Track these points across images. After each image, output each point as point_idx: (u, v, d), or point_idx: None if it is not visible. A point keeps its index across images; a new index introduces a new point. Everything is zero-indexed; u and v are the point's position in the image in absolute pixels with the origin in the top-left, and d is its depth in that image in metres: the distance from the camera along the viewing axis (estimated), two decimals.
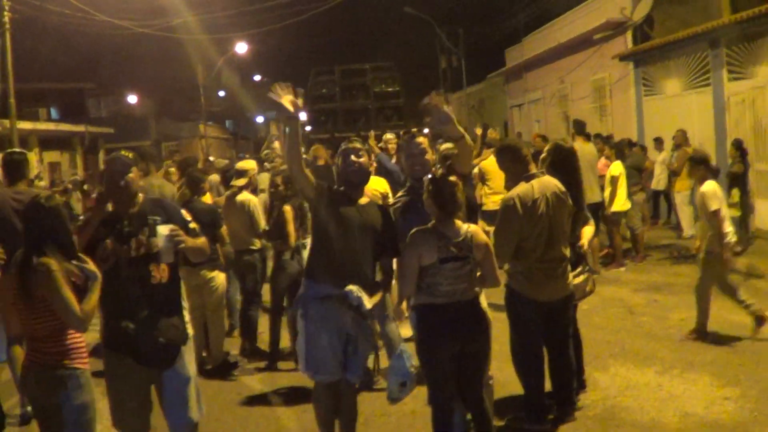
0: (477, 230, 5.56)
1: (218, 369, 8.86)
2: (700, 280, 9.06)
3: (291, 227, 8.81)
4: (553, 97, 30.09)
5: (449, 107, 5.85)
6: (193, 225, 5.55)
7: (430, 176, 5.68)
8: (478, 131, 15.15)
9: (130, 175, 5.25)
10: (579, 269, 6.80)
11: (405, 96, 29.53)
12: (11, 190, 7.57)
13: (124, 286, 5.12)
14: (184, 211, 5.67)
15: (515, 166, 6.48)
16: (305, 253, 8.94)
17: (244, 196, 9.55)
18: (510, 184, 6.50)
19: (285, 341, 9.26)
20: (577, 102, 27.28)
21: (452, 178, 5.50)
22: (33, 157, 29.36)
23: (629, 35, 22.15)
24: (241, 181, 9.68)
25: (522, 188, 6.28)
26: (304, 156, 16.22)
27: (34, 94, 37.05)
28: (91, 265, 4.82)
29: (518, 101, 35.95)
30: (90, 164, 37.73)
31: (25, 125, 26.50)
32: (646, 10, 20.87)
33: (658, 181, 17.83)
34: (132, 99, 53.70)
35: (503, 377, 7.21)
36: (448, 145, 6.97)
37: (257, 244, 9.64)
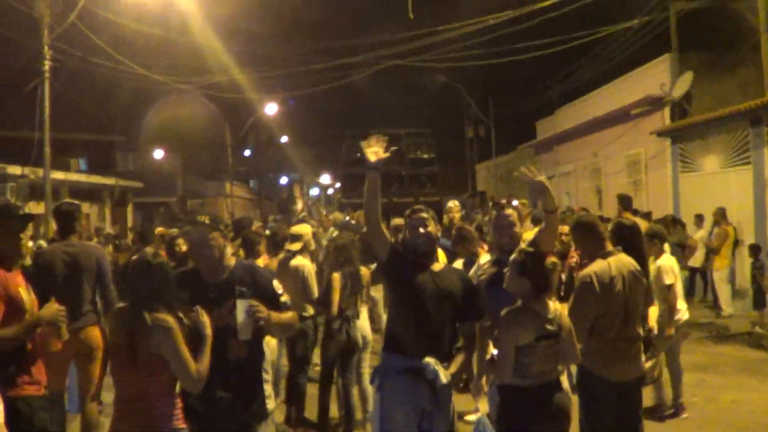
0: (562, 307, 5.45)
1: None
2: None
3: (336, 296, 8.65)
4: (585, 171, 30.05)
5: (543, 177, 5.76)
6: (284, 298, 5.28)
7: (524, 252, 5.42)
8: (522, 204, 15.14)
9: (212, 243, 5.03)
10: (648, 354, 6.63)
11: (439, 164, 29.61)
12: (62, 244, 7.46)
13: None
14: (276, 282, 5.33)
15: (591, 243, 6.40)
16: (359, 323, 8.84)
17: (299, 261, 9.34)
18: (586, 261, 6.39)
19: (333, 411, 9.06)
20: (610, 176, 27.22)
21: (552, 259, 5.38)
22: None
23: (667, 111, 22.14)
24: (296, 246, 9.52)
25: (599, 265, 6.14)
26: (345, 218, 16.21)
27: (64, 143, 37.25)
28: (205, 319, 4.75)
29: (548, 173, 35.76)
30: (118, 217, 37.76)
31: (57, 175, 26.56)
32: (686, 87, 20.86)
33: (695, 258, 17.64)
34: (158, 154, 54.00)
35: None
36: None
37: (310, 310, 9.41)
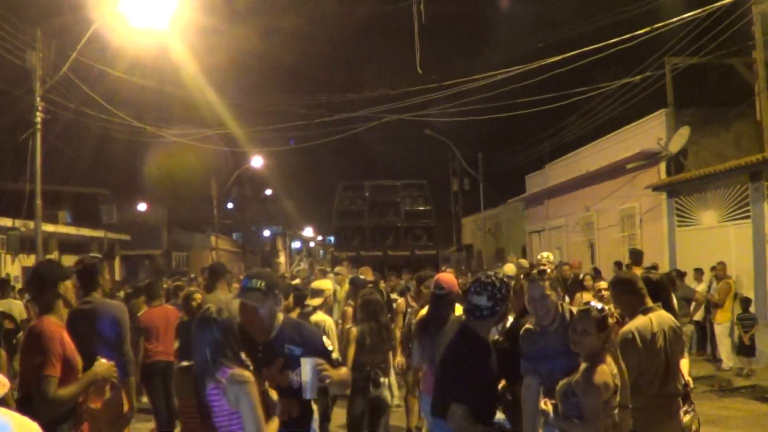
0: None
1: None
2: None
3: (350, 350, 8.55)
4: (576, 225, 30.08)
5: None
6: (335, 354, 5.21)
7: (601, 309, 5.40)
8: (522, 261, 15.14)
9: (262, 311, 4.94)
10: (685, 407, 6.55)
11: (437, 215, 29.18)
12: (81, 301, 7.01)
13: None
14: (325, 339, 5.26)
15: (631, 299, 6.35)
16: (387, 382, 8.68)
17: (319, 317, 9.23)
18: (626, 318, 6.33)
19: None
20: (603, 230, 27.25)
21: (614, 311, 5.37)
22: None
23: (662, 165, 22.23)
24: (317, 301, 9.40)
25: (640, 321, 6.12)
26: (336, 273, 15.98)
27: (52, 195, 37.06)
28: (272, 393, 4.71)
29: (538, 227, 35.96)
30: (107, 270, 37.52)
31: (47, 227, 26.40)
32: (683, 142, 20.94)
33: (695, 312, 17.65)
34: (142, 207, 53.84)
35: None
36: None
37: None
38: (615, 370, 5.29)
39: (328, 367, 4.87)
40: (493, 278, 5.73)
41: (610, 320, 5.35)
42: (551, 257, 12.67)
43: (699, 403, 12.71)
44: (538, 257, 12.50)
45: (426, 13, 17.40)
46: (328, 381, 4.89)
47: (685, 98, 23.19)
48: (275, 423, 4.58)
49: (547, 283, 6.22)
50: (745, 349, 15.76)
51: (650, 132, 23.04)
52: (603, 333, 5.25)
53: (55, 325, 5.04)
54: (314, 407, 6.16)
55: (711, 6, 16.05)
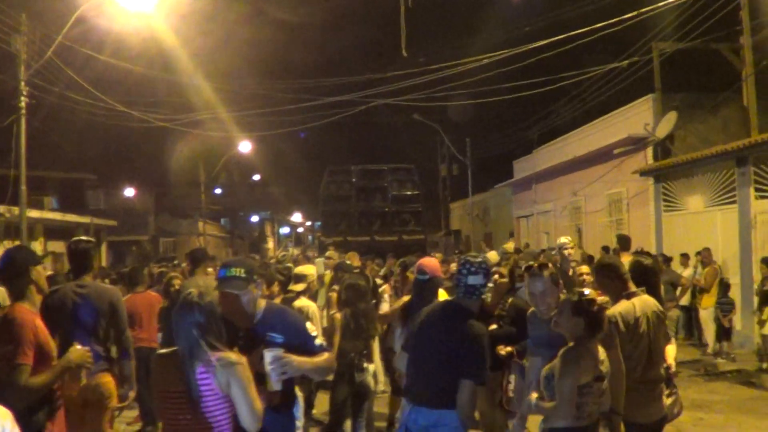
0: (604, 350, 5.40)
1: None
2: None
3: (336, 336, 8.48)
4: (564, 210, 30.10)
5: None
6: (319, 339, 5.16)
7: (579, 293, 5.41)
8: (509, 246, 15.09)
9: (243, 298, 4.89)
10: (668, 390, 6.54)
11: (424, 201, 28.68)
12: (74, 284, 7.02)
13: None
14: (309, 324, 5.22)
15: (614, 284, 6.33)
16: (371, 368, 8.63)
17: (302, 302, 9.13)
18: (610, 303, 6.31)
19: None
20: (591, 215, 27.28)
21: (604, 298, 5.32)
22: (38, 246, 29.05)
23: (650, 150, 22.24)
24: (300, 286, 9.35)
25: (623, 306, 6.08)
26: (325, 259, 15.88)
27: (38, 181, 36.85)
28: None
29: (526, 212, 35.99)
30: None
31: (32, 213, 26.22)
32: (670, 127, 20.95)
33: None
34: (129, 192, 53.67)
35: None
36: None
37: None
38: (603, 357, 5.29)
39: (289, 358, 4.78)
40: (480, 257, 5.81)
41: (594, 307, 5.30)
42: (573, 242, 12.29)
43: (684, 387, 12.82)
44: (558, 242, 12.03)
45: None
46: (288, 375, 4.84)
47: (672, 83, 23.17)
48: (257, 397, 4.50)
49: (546, 274, 6.28)
50: (724, 334, 15.81)
51: (637, 117, 23.07)
52: (579, 317, 5.24)
53: (28, 312, 4.95)
54: (299, 393, 6.15)
55: None
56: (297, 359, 4.85)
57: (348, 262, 13.35)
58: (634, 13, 16.36)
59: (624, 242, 14.38)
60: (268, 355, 4.73)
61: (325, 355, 5.15)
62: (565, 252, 11.47)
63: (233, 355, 4.42)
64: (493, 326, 7.51)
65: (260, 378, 4.74)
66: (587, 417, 5.23)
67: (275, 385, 4.76)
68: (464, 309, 5.63)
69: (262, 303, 5.07)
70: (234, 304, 4.86)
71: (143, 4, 17.64)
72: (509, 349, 7.26)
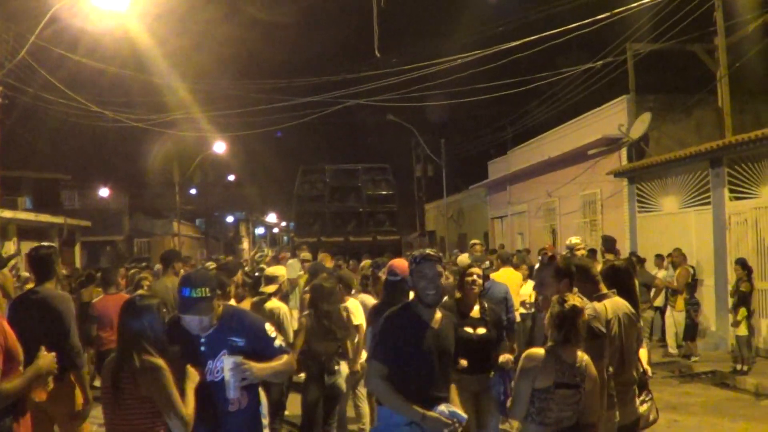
0: (590, 360, 5.30)
1: None
2: None
3: (299, 339, 8.60)
4: (539, 210, 30.16)
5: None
6: (278, 341, 5.11)
7: (556, 298, 5.38)
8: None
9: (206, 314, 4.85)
10: (642, 396, 6.52)
11: (399, 201, 28.16)
12: (29, 291, 7.04)
13: (199, 413, 4.71)
14: (268, 326, 5.17)
15: (585, 286, 6.30)
16: (341, 369, 8.61)
17: (273, 304, 9.18)
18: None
19: None
20: (565, 216, 27.33)
21: (578, 304, 5.26)
22: (11, 246, 28.80)
23: (624, 151, 22.31)
24: (271, 288, 9.32)
25: (595, 308, 6.02)
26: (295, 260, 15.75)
27: (11, 181, 36.56)
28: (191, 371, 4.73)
29: (500, 213, 36.03)
30: (66, 257, 37.03)
31: (5, 213, 26.02)
32: (644, 128, 21.01)
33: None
34: (104, 192, 53.38)
35: None
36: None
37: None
38: (581, 365, 5.20)
39: (248, 365, 4.76)
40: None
41: (571, 314, 5.25)
42: (582, 243, 11.91)
43: (659, 390, 12.80)
44: (567, 243, 11.64)
45: None
46: (247, 381, 4.82)
47: (646, 84, 23.27)
48: (191, 402, 4.60)
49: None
50: (691, 334, 15.95)
51: (612, 118, 23.10)
52: (562, 283, 5.38)
53: None
54: (262, 394, 6.11)
55: None
56: (257, 366, 4.83)
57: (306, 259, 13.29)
58: (608, 13, 16.38)
59: (609, 244, 14.39)
60: (228, 362, 4.72)
61: (284, 358, 5.11)
62: (577, 254, 10.80)
63: (157, 360, 4.55)
64: (482, 330, 7.45)
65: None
66: (554, 423, 5.16)
67: (233, 392, 4.75)
68: (408, 305, 5.62)
69: (220, 308, 5.02)
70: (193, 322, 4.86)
71: (117, 4, 17.48)
72: (509, 357, 7.20)
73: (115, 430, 4.64)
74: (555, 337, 5.24)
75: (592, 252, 19.74)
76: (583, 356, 5.25)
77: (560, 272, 6.06)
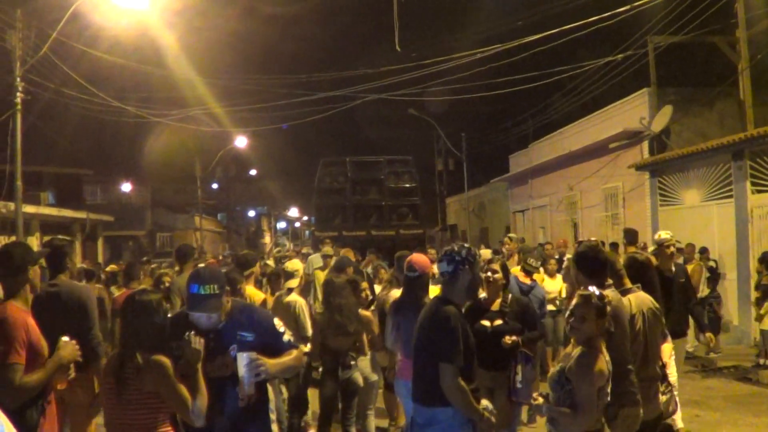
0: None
1: None
2: None
3: (314, 334, 8.69)
4: (560, 204, 30.08)
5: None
6: (287, 336, 5.13)
7: (600, 296, 5.27)
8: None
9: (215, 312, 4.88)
10: (662, 388, 6.47)
11: (422, 194, 27.37)
12: (47, 284, 7.04)
13: (208, 408, 4.76)
14: (276, 321, 5.20)
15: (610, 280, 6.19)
16: (360, 364, 8.63)
17: (292, 297, 9.21)
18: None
19: None
20: (586, 210, 27.24)
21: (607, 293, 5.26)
22: (34, 241, 28.93)
23: (645, 145, 22.22)
24: (294, 282, 9.37)
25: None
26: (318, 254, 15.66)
27: (34, 176, 36.77)
28: (196, 349, 4.74)
29: (522, 206, 35.95)
30: (89, 251, 37.17)
31: (28, 209, 26.10)
32: (666, 121, 20.92)
33: None
34: (126, 187, 53.60)
35: None
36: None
37: (303, 348, 9.18)
38: (608, 357, 5.16)
39: (262, 361, 4.77)
40: (453, 246, 5.74)
41: (608, 308, 5.22)
42: (673, 238, 10.35)
43: (681, 384, 12.72)
44: (656, 238, 10.30)
45: None
46: (263, 376, 4.83)
47: (668, 77, 23.23)
48: (202, 391, 4.68)
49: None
50: (714, 328, 15.72)
51: (633, 111, 23.03)
52: (601, 320, 5.14)
53: (20, 310, 4.92)
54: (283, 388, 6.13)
55: None
56: (270, 362, 4.85)
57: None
58: (629, 6, 16.32)
59: (631, 236, 14.24)
60: (243, 358, 4.73)
61: (294, 353, 5.13)
62: (668, 251, 9.83)
63: (163, 358, 4.61)
64: (498, 322, 7.48)
65: (237, 379, 4.79)
66: (599, 420, 5.17)
67: (247, 388, 4.78)
68: (438, 297, 5.63)
69: (229, 303, 5.04)
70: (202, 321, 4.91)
71: (138, 1, 17.59)
72: (514, 338, 7.25)
73: (117, 426, 4.69)
74: (599, 334, 5.19)
75: (613, 245, 19.75)
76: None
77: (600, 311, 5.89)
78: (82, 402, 6.89)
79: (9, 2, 19.81)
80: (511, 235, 16.65)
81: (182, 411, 4.58)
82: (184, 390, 4.57)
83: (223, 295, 4.88)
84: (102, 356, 7.10)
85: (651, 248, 12.04)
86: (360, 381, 8.66)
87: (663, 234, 10.16)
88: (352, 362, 8.50)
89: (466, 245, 5.79)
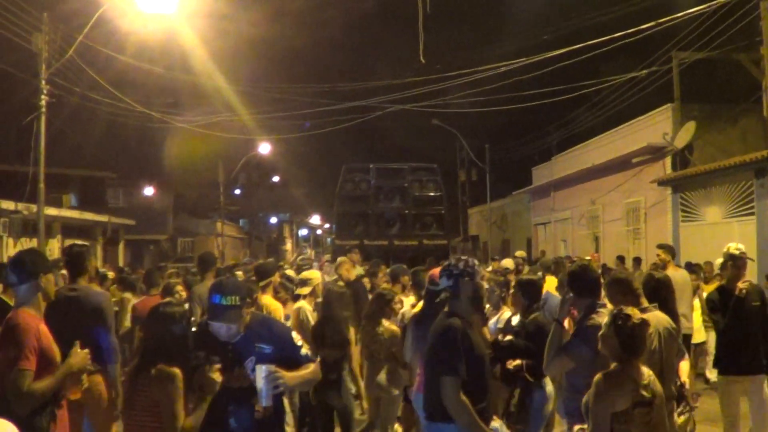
0: (654, 375, 5.09)
1: None
2: None
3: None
4: (582, 218, 30.01)
5: None
6: (305, 349, 5.14)
7: (615, 312, 5.16)
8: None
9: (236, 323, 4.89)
10: (680, 408, 6.43)
11: (448, 203, 26.55)
12: (66, 288, 7.17)
13: (225, 419, 4.83)
14: (294, 334, 5.22)
15: (626, 299, 6.12)
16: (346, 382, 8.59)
17: (300, 303, 9.20)
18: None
19: None
20: (608, 224, 27.17)
21: (640, 315, 5.13)
22: (55, 244, 29.13)
23: (668, 160, 22.17)
24: (305, 290, 9.37)
25: None
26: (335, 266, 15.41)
27: (57, 179, 36.89)
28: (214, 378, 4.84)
29: (544, 219, 35.90)
30: (110, 256, 37.34)
31: (50, 211, 26.24)
32: (689, 137, 20.88)
33: None
34: (149, 191, 53.76)
35: None
36: None
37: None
38: (648, 380, 4.98)
39: (281, 374, 4.78)
40: (451, 260, 5.77)
41: (629, 323, 5.10)
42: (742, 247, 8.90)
43: (704, 400, 12.65)
44: (728, 251, 8.73)
45: (431, 2, 17.18)
46: (282, 389, 4.86)
47: (691, 93, 23.10)
48: (200, 414, 4.78)
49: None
50: None
51: (656, 126, 23.00)
52: (616, 337, 4.96)
53: (31, 317, 4.94)
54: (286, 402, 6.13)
55: (718, 0, 15.91)
56: (288, 375, 4.85)
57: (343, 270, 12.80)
58: (654, 22, 16.29)
59: (671, 250, 13.76)
60: (261, 370, 4.73)
61: (311, 366, 5.14)
62: (742, 269, 8.73)
63: (175, 370, 4.69)
64: (509, 337, 7.46)
65: (254, 390, 4.77)
66: None
67: (265, 401, 4.75)
68: (444, 312, 5.59)
69: (248, 316, 5.04)
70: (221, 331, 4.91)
71: (165, 6, 17.69)
72: (518, 362, 7.20)
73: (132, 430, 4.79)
74: (621, 355, 5.02)
75: (636, 260, 19.67)
76: (648, 371, 5.06)
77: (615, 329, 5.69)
78: (99, 405, 6.94)
79: (36, 5, 19.99)
80: (517, 253, 16.61)
81: (169, 426, 4.63)
82: (180, 408, 4.65)
83: (244, 306, 4.89)
84: (117, 361, 7.16)
85: (717, 261, 11.69)
86: (344, 398, 8.53)
87: (733, 247, 8.80)
88: (333, 376, 8.25)
89: (463, 257, 5.78)
